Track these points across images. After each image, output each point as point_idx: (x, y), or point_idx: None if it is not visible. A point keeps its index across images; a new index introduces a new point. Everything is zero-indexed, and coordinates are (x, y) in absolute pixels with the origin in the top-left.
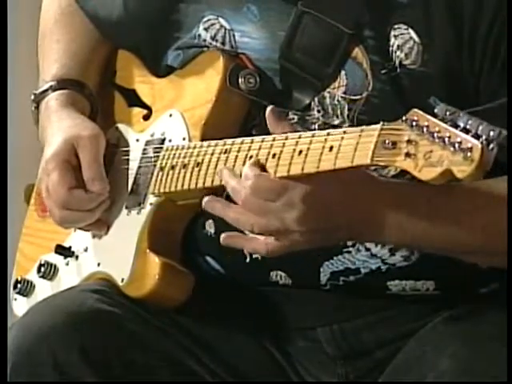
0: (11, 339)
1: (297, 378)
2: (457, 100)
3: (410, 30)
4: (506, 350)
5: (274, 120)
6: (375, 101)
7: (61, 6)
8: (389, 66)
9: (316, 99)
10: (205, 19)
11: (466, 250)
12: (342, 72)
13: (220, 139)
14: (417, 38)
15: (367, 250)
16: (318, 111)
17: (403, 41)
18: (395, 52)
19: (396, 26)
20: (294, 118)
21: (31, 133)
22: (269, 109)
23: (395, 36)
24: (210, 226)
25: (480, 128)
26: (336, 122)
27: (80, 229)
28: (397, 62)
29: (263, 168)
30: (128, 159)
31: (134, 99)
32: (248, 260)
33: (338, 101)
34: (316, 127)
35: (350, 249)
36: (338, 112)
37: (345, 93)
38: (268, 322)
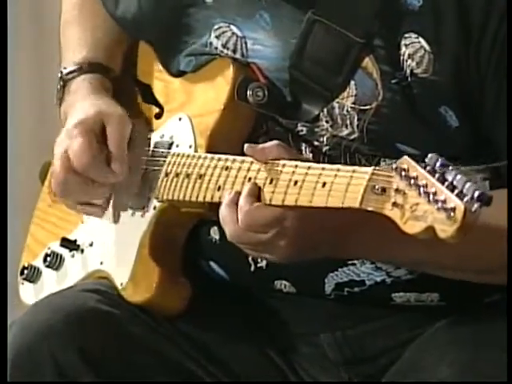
0: (11, 338)
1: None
2: (466, 108)
3: (421, 39)
4: (506, 357)
5: (258, 153)
6: (385, 111)
7: None
8: (399, 76)
9: (325, 110)
10: (216, 27)
11: (442, 267)
12: (352, 82)
13: (226, 149)
14: (427, 47)
15: (372, 262)
16: (327, 122)
17: (414, 49)
18: (406, 61)
19: (406, 35)
20: (302, 130)
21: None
22: (246, 147)
23: (406, 45)
24: (214, 233)
25: (466, 186)
26: (345, 133)
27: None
28: (408, 71)
29: (259, 194)
30: (139, 158)
31: (148, 95)
32: (253, 268)
33: (347, 111)
34: (324, 139)
35: (355, 261)
36: (348, 122)
37: (354, 103)
38: (270, 328)
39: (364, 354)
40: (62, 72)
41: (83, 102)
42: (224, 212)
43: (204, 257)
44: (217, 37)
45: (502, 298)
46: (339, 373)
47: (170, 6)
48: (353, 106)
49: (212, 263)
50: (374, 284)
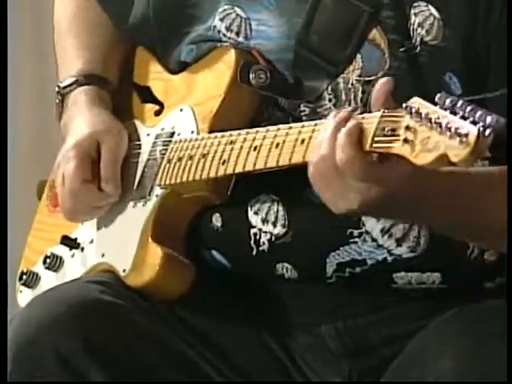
0: (11, 332)
1: (299, 375)
2: (470, 75)
3: (430, 6)
4: (507, 350)
5: (383, 94)
6: None
7: (77, 3)
8: (408, 45)
9: (329, 87)
10: (220, 10)
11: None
12: (358, 55)
13: None
14: (437, 14)
15: (374, 240)
16: (330, 100)
17: (423, 17)
18: (416, 30)
19: (415, 4)
20: (304, 111)
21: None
22: (384, 81)
23: (415, 14)
24: (216, 220)
25: (477, 115)
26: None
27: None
28: (418, 40)
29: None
30: (138, 153)
31: (147, 96)
32: (254, 252)
33: (352, 84)
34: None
35: (357, 239)
36: (352, 96)
37: (360, 76)
38: (270, 317)
39: (366, 345)
40: (59, 86)
41: (80, 118)
42: (324, 142)
43: (206, 245)
44: (221, 19)
45: (503, 284)
46: (340, 364)
47: (175, 3)
48: (358, 78)
49: (214, 252)
50: (375, 263)
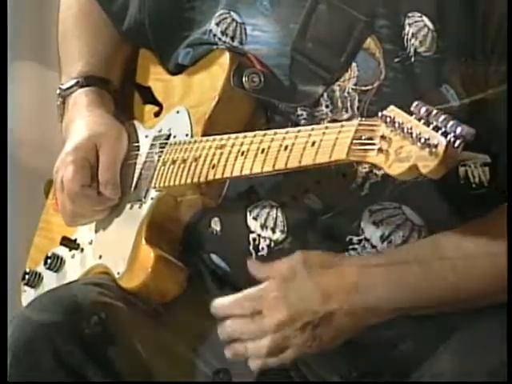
0: (11, 330)
1: (298, 375)
2: (467, 87)
3: (424, 18)
4: (506, 351)
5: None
6: (386, 90)
7: (80, 5)
8: (403, 55)
9: (325, 94)
10: (217, 14)
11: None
12: (354, 64)
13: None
14: (431, 25)
15: (373, 247)
16: (327, 106)
17: (417, 28)
18: (410, 40)
19: (410, 14)
20: (302, 114)
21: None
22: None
23: (409, 24)
24: (215, 224)
25: (449, 125)
26: (345, 117)
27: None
28: (412, 50)
29: None
30: (137, 155)
31: (148, 96)
32: (253, 257)
33: (348, 93)
34: (325, 124)
35: (356, 246)
36: (348, 105)
37: (356, 84)
38: None
39: (363, 347)
40: (60, 88)
41: (80, 121)
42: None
43: (205, 250)
44: (217, 24)
45: None
46: (339, 365)
47: (172, 5)
48: (354, 87)
49: (213, 255)
50: None
